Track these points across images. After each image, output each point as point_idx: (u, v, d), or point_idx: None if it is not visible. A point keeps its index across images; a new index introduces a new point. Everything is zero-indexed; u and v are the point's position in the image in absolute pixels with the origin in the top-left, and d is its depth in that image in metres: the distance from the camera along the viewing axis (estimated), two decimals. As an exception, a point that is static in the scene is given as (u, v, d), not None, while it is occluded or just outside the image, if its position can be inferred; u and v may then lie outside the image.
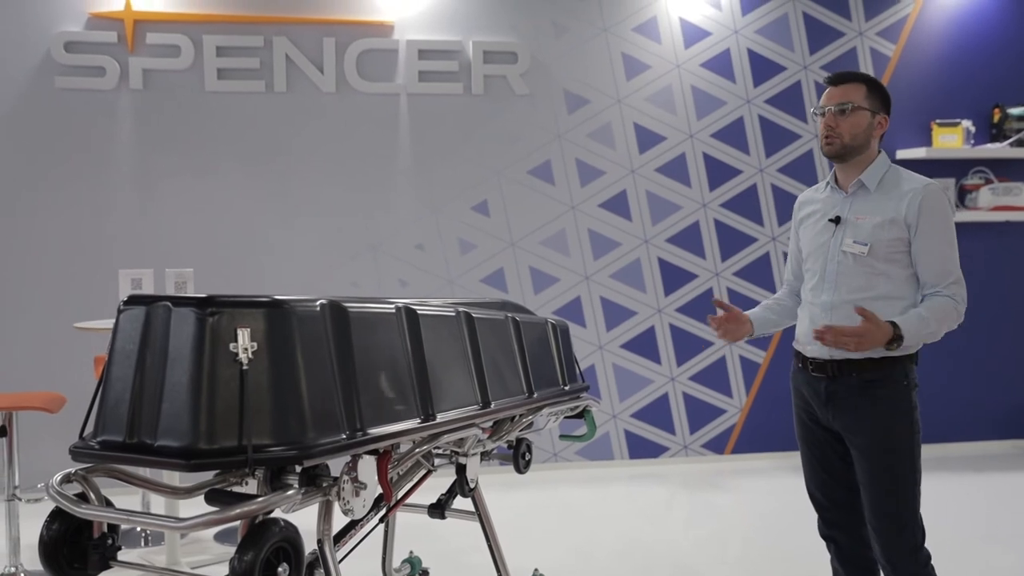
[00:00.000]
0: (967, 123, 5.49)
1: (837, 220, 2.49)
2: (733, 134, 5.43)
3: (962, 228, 5.53)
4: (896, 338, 2.27)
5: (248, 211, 4.98)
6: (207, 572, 3.65)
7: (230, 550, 4.09)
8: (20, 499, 3.56)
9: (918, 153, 5.46)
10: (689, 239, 5.41)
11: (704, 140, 5.40)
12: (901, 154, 5.52)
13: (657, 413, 5.41)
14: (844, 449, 2.50)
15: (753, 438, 5.52)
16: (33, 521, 4.06)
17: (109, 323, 3.80)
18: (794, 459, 5.46)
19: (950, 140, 5.49)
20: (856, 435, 2.42)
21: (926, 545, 2.40)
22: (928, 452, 2.53)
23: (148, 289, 3.92)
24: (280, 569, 1.75)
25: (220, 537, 4.11)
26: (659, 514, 4.46)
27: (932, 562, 2.40)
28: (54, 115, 4.78)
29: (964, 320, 2.45)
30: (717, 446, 5.50)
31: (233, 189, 4.96)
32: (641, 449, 5.39)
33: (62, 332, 4.67)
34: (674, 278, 5.41)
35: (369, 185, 5.10)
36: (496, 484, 4.48)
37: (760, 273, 5.49)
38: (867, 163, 2.52)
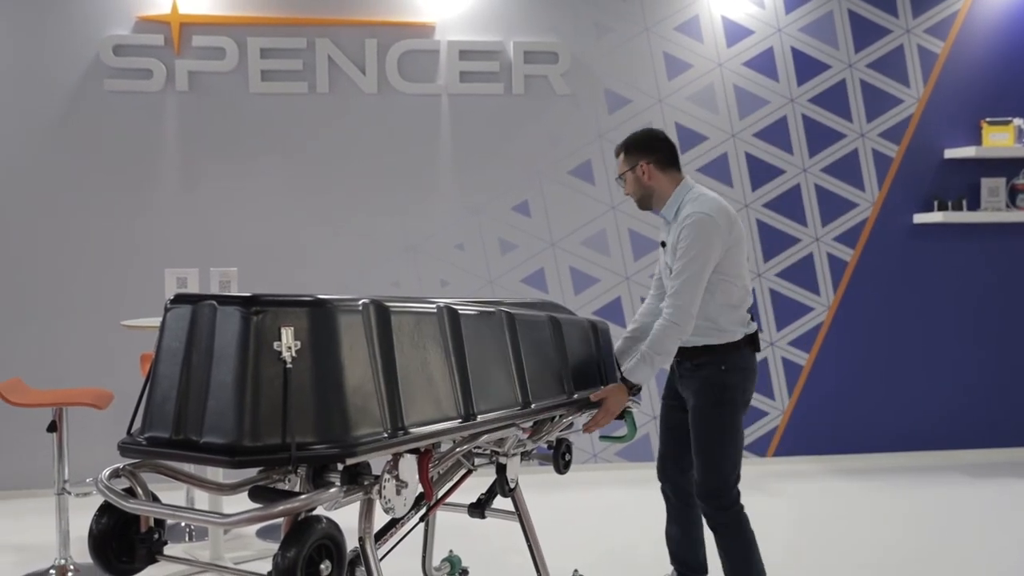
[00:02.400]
0: (1019, 121, 5.36)
1: (663, 244, 2.98)
2: (776, 133, 5.37)
3: (1012, 228, 5.46)
4: (633, 386, 2.79)
5: (291, 211, 5.03)
6: (250, 568, 3.69)
7: (272, 546, 4.14)
8: (70, 493, 3.63)
9: (967, 152, 5.35)
10: (731, 239, 5.35)
11: (746, 140, 5.35)
12: (949, 153, 5.41)
13: (698, 415, 5.36)
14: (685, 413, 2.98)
15: (796, 441, 5.45)
16: (82, 515, 4.13)
17: (155, 321, 3.87)
18: (839, 462, 5.43)
19: (1001, 139, 5.37)
20: (688, 403, 2.92)
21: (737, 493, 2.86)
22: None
23: (193, 288, 3.97)
24: (323, 566, 1.76)
25: (262, 533, 4.15)
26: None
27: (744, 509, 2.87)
28: (103, 117, 4.87)
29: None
30: (759, 448, 5.44)
31: (276, 189, 5.02)
32: (682, 451, 5.34)
33: (110, 330, 4.76)
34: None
35: (410, 185, 5.12)
36: (536, 484, 4.48)
37: (804, 274, 5.42)
38: (663, 199, 2.92)
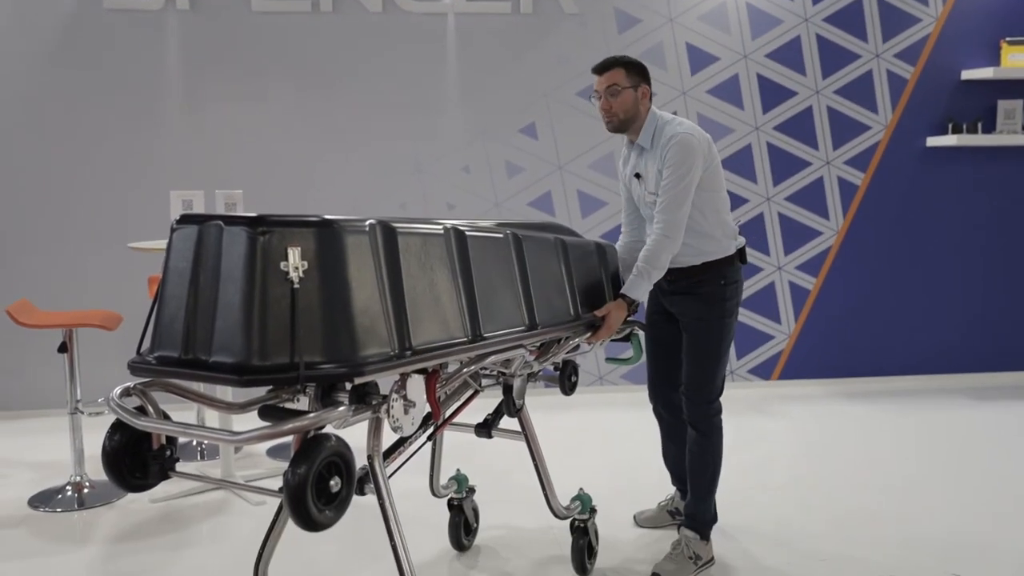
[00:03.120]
0: (1039, 41, 5.24)
1: (638, 176, 2.98)
2: (789, 54, 5.26)
3: (1029, 151, 5.39)
4: (632, 302, 2.85)
5: (295, 133, 4.98)
6: (260, 485, 3.76)
7: (282, 465, 4.23)
8: (82, 412, 3.69)
9: (985, 73, 5.23)
10: (741, 163, 5.30)
11: (758, 61, 5.24)
12: (967, 74, 5.30)
13: (704, 339, 5.39)
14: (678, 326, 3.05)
15: (801, 364, 5.49)
16: (95, 433, 4.21)
17: (162, 243, 3.87)
18: (843, 385, 5.47)
19: (1020, 59, 5.24)
20: (683, 317, 2.98)
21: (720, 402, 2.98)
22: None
23: (198, 210, 3.95)
24: (332, 482, 1.78)
25: (272, 452, 4.23)
26: (704, 438, 4.48)
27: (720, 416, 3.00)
28: (102, 36, 4.79)
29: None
30: (764, 372, 5.47)
31: (280, 111, 4.96)
32: (687, 374, 5.38)
33: (116, 252, 4.78)
34: (724, 203, 5.32)
35: (416, 107, 5.05)
36: (542, 406, 4.53)
37: (813, 198, 5.37)
38: (640, 128, 2.92)
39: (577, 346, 2.75)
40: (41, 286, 4.81)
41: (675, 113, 3.07)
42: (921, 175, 5.41)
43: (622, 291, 2.86)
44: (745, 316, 5.40)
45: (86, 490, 3.65)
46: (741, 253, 3.01)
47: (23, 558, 3.07)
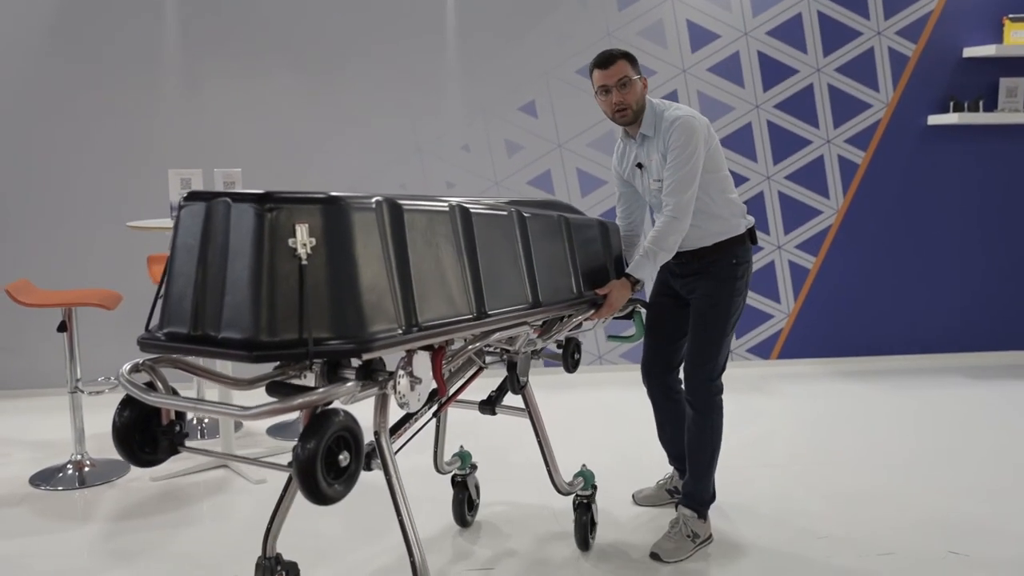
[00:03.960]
0: (1042, 18, 5.21)
1: (640, 166, 2.97)
2: (790, 32, 5.23)
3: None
4: (636, 281, 2.84)
5: (294, 111, 4.95)
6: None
7: (282, 443, 4.22)
8: (83, 391, 3.69)
9: (987, 51, 5.20)
10: (741, 141, 5.28)
11: (760, 38, 5.21)
12: (969, 52, 5.27)
13: (703, 318, 5.39)
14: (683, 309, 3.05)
15: (800, 344, 5.49)
16: (96, 412, 4.23)
17: (160, 222, 3.86)
18: (841, 364, 5.48)
19: (1023, 36, 5.21)
20: (693, 296, 2.98)
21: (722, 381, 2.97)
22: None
23: (197, 188, 3.94)
24: (342, 456, 1.79)
25: (273, 431, 4.23)
26: (703, 417, 4.49)
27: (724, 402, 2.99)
28: (101, 14, 4.75)
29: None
30: (763, 351, 5.48)
31: (279, 89, 4.93)
32: (686, 353, 5.39)
33: (115, 232, 4.77)
34: (724, 181, 5.30)
35: (414, 85, 5.02)
36: (543, 385, 4.54)
37: (813, 176, 5.35)
38: (641, 116, 2.91)
39: (579, 324, 2.75)
40: (41, 265, 4.80)
41: (665, 98, 3.07)
42: (922, 154, 5.40)
43: (627, 271, 2.85)
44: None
45: (87, 468, 3.66)
46: (752, 233, 3.02)
47: (25, 536, 3.08)
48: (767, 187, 5.33)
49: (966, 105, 5.26)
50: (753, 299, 5.42)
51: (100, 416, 4.14)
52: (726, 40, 5.20)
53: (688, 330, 2.98)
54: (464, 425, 4.10)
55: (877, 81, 5.32)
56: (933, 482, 3.56)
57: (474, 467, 3.12)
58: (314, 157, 4.98)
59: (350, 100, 4.98)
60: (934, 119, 5.33)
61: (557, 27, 5.07)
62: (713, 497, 3.03)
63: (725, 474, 3.62)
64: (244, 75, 4.89)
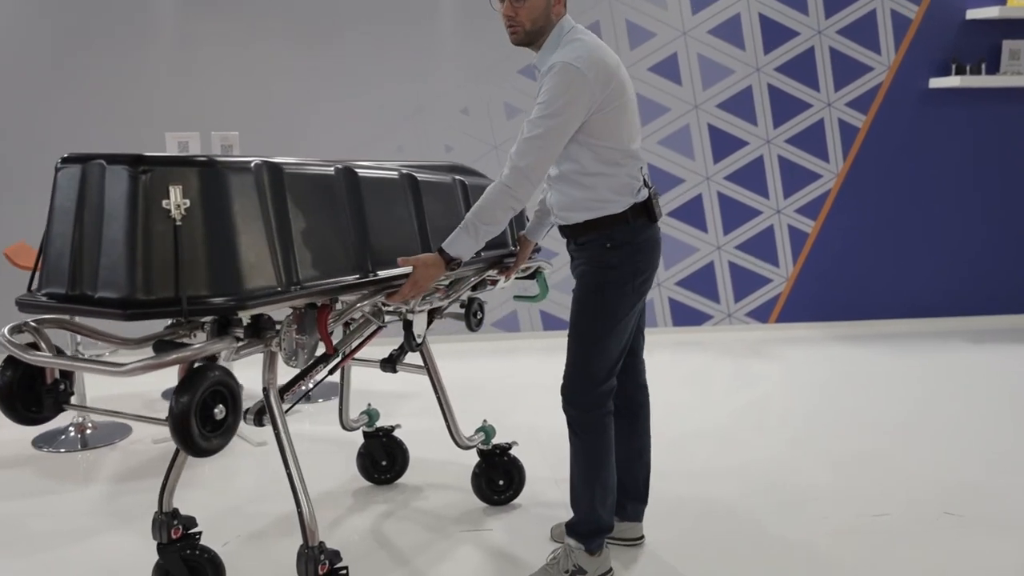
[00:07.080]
0: (1046, -20, 5.15)
1: None
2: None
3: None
4: (452, 259, 2.29)
5: (292, 74, 4.92)
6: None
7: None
8: (82, 354, 3.70)
9: (990, 13, 5.15)
10: (741, 105, 5.25)
11: (762, 0, 5.17)
12: (971, 14, 5.22)
13: (702, 282, 5.40)
14: None
15: (798, 307, 5.50)
16: (100, 376, 4.23)
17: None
18: (839, 328, 5.49)
19: (1026, -2, 5.16)
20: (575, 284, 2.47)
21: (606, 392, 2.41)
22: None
23: (195, 152, 3.92)
24: (216, 410, 1.84)
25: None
26: (700, 381, 4.52)
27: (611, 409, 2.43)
28: (94, -26, 4.71)
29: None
30: (762, 315, 5.49)
31: (277, 52, 4.89)
32: (685, 317, 5.41)
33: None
34: (724, 146, 5.28)
35: (413, 47, 4.98)
36: (449, 353, 4.53)
37: (813, 140, 5.33)
38: (543, 43, 2.36)
39: (484, 283, 2.73)
40: (39, 229, 4.78)
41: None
42: (923, 117, 5.37)
43: (443, 244, 2.31)
44: (743, 259, 5.40)
45: (89, 431, 3.69)
46: (643, 209, 2.36)
47: (29, 497, 3.12)
48: (767, 151, 5.31)
49: (968, 68, 5.23)
50: (752, 263, 5.43)
51: (106, 379, 4.16)
52: (728, 2, 5.14)
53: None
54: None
55: (879, 43, 5.27)
56: (931, 445, 3.58)
57: (392, 428, 3.16)
58: (312, 120, 4.96)
59: (349, 63, 4.94)
60: (936, 82, 5.29)
61: (556, -12, 5.01)
62: (608, 528, 2.46)
63: (721, 437, 3.65)
64: (242, 38, 4.85)
